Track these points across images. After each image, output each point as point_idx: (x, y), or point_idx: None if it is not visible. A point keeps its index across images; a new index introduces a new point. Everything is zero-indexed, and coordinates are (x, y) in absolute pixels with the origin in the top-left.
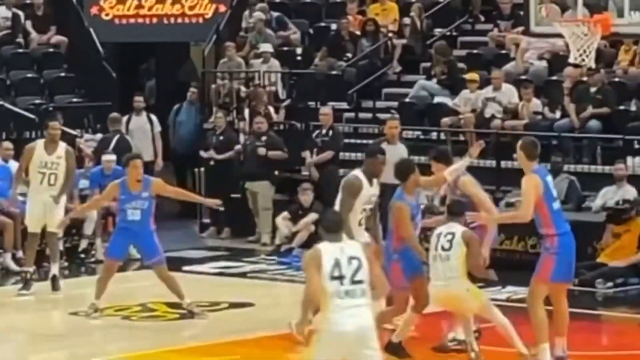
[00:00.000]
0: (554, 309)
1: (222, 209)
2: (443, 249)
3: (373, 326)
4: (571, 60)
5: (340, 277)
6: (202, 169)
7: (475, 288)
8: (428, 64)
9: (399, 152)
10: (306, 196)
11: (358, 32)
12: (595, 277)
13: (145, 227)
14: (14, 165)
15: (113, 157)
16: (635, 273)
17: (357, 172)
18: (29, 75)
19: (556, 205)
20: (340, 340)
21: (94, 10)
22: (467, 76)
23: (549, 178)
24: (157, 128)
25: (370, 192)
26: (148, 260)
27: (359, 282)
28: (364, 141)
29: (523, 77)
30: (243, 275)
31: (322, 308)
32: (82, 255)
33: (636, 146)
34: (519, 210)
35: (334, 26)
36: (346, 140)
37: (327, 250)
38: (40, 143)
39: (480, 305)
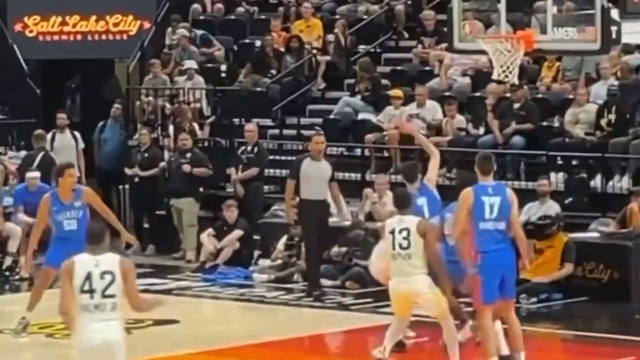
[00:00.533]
0: (507, 326)
1: (136, 245)
2: (401, 247)
3: (121, 341)
4: (494, 76)
5: (91, 291)
6: (127, 186)
7: (438, 292)
8: (352, 81)
9: (323, 168)
10: (231, 213)
11: (282, 49)
12: (519, 292)
13: (76, 235)
14: None
15: (37, 174)
16: (558, 288)
17: None
18: None
19: (484, 224)
20: (88, 355)
21: (17, 27)
22: (391, 92)
23: (486, 198)
24: (81, 145)
25: None
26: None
27: (110, 296)
28: (289, 158)
29: (447, 93)
30: (168, 292)
31: (76, 321)
32: (7, 273)
33: (559, 162)
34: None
35: (258, 43)
36: (271, 157)
37: (82, 262)
38: None
39: (440, 311)
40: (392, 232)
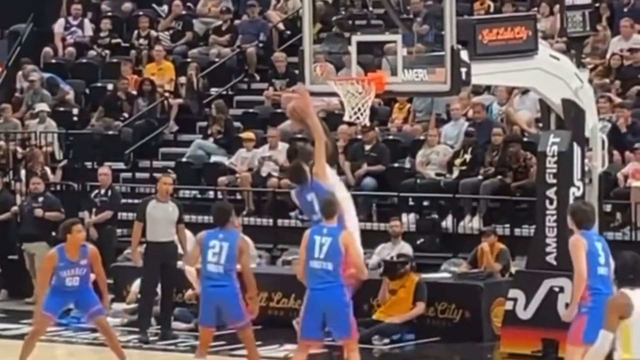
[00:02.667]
0: None
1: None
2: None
3: None
4: (346, 118)
5: None
6: None
7: None
8: (205, 123)
9: (170, 210)
10: None
11: (134, 92)
12: (372, 333)
13: (84, 287)
14: None
15: None
16: (410, 329)
17: None
18: None
19: (313, 263)
20: None
21: None
22: (243, 135)
23: (318, 237)
24: None
25: None
26: (89, 311)
27: None
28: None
29: (299, 135)
30: (20, 337)
31: None
32: None
33: (411, 203)
34: None
35: (110, 86)
36: (124, 201)
37: None
38: None
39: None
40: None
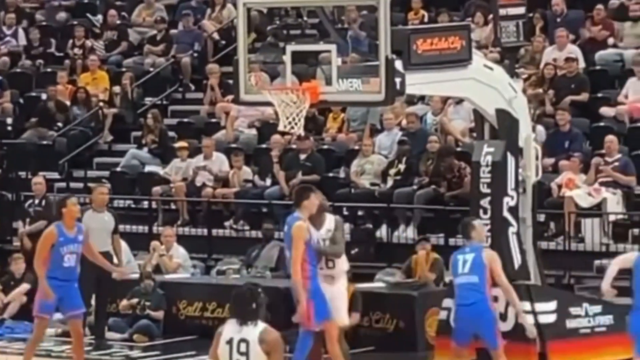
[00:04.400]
0: None
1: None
2: None
3: None
4: (280, 128)
5: None
6: None
7: None
8: (139, 133)
9: (107, 220)
10: (18, 266)
11: (68, 102)
12: None
13: (75, 276)
14: None
15: None
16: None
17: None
18: None
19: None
20: None
21: None
22: (178, 145)
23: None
24: None
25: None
26: (71, 312)
27: None
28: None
29: (233, 145)
30: None
31: None
32: None
33: (345, 213)
34: None
35: (44, 96)
36: None
37: None
38: None
39: None
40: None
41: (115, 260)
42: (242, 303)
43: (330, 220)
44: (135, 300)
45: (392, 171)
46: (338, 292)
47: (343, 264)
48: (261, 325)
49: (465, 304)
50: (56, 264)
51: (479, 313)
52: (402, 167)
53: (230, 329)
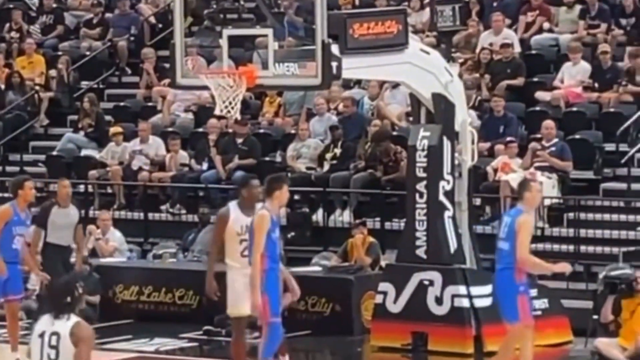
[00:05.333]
0: None
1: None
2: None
3: None
4: (217, 112)
5: None
6: None
7: None
8: (75, 117)
9: (72, 214)
10: None
11: (3, 86)
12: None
13: (18, 259)
14: None
15: None
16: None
17: (231, 203)
18: None
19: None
20: None
21: None
22: (113, 130)
23: None
24: None
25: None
26: (12, 295)
27: None
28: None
29: (170, 129)
30: None
31: None
32: None
33: None
34: None
35: None
36: None
37: None
38: None
39: None
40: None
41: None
42: (57, 296)
43: (259, 207)
44: None
45: (329, 155)
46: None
47: None
48: (74, 319)
49: (496, 269)
50: (6, 244)
51: (500, 282)
52: (338, 151)
53: (43, 323)
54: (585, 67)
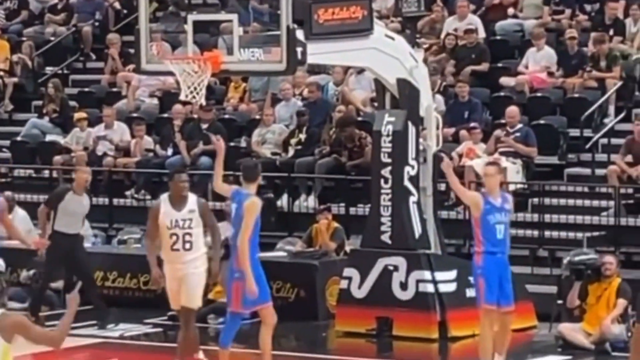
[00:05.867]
0: None
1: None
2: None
3: None
4: (182, 97)
5: None
6: None
7: None
8: (40, 102)
9: (84, 204)
10: None
11: None
12: (207, 312)
13: None
14: None
15: None
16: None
17: (162, 197)
18: None
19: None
20: None
21: None
22: (77, 115)
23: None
24: None
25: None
26: None
27: None
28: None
29: (135, 114)
30: None
31: None
32: None
33: None
34: None
35: None
36: None
37: None
38: None
39: None
40: None
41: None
42: None
43: (192, 201)
44: (32, 272)
45: (293, 141)
46: (193, 276)
47: (201, 247)
48: None
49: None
50: None
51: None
52: (302, 136)
53: None
54: (549, 52)
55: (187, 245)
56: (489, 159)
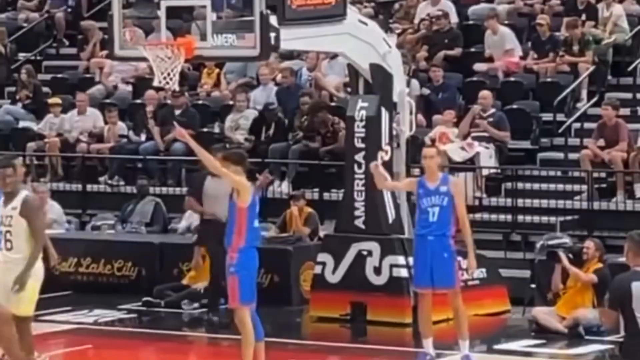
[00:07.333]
0: None
1: None
2: None
3: None
4: (155, 83)
5: None
6: None
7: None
8: (13, 89)
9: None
10: None
11: None
12: (181, 298)
13: None
14: None
15: None
16: (221, 294)
17: None
18: None
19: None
20: None
21: None
22: (50, 101)
23: None
24: None
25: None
26: None
27: None
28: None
29: (108, 100)
30: None
31: None
32: None
33: None
34: None
35: None
36: None
37: None
38: None
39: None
40: None
41: None
42: None
43: (19, 198)
44: None
45: (266, 126)
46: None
47: (26, 249)
48: None
49: None
50: None
51: None
52: (271, 131)
53: None
54: (504, 32)
55: (8, 245)
56: (462, 144)
